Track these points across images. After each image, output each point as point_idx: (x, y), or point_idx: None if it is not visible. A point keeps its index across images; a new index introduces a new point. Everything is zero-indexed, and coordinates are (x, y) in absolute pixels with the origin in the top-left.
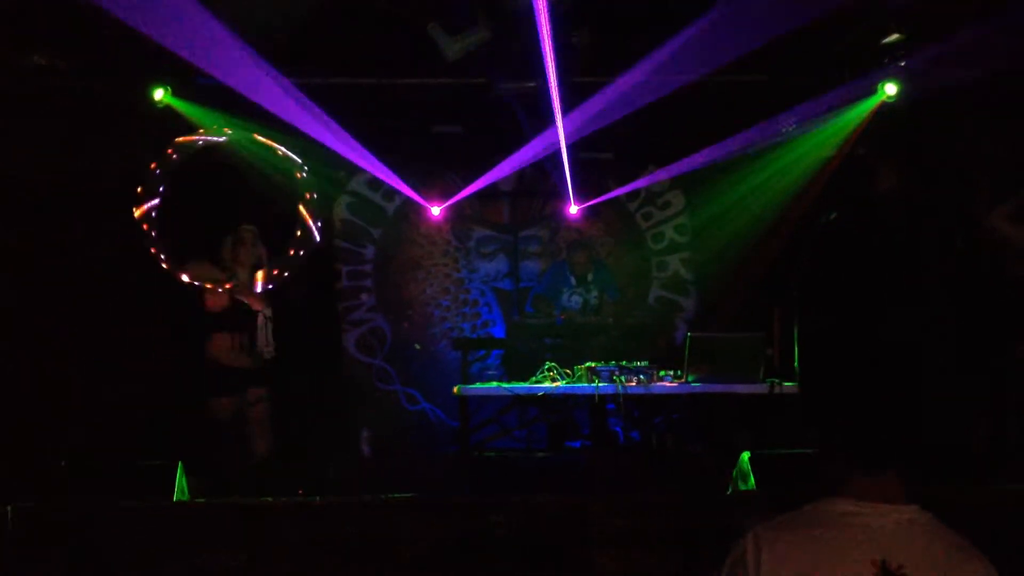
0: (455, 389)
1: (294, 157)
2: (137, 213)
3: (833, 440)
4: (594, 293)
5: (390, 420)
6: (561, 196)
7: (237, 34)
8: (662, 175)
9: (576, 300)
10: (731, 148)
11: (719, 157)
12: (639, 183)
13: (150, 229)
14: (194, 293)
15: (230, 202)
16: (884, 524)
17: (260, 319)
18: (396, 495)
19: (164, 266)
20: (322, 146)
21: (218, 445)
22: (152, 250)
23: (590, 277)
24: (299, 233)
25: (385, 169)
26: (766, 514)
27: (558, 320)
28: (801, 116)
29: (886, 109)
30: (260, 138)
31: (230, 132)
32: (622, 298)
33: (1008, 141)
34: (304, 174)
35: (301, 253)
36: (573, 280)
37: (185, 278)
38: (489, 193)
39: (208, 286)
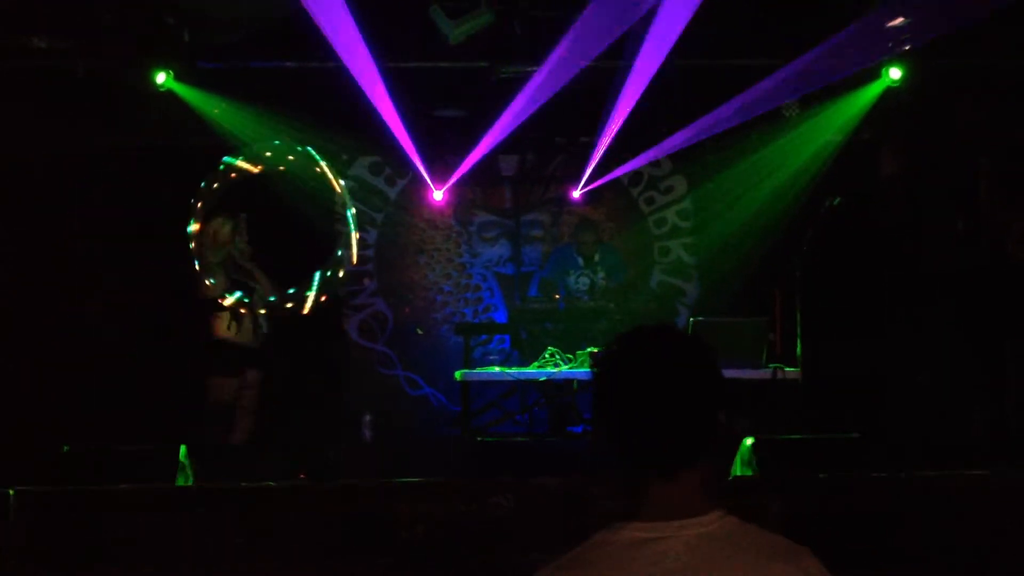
0: (457, 374)
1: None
2: (193, 228)
3: (621, 446)
4: (601, 274)
5: (392, 405)
6: (563, 181)
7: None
8: (658, 152)
9: (584, 282)
10: (723, 119)
11: (713, 129)
12: (637, 162)
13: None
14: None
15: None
16: (676, 546)
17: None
18: (398, 479)
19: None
20: (324, 129)
21: (207, 426)
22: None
23: (597, 258)
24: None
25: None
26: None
27: (560, 305)
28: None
29: (890, 94)
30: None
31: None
32: (625, 281)
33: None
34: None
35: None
36: (580, 261)
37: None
38: (491, 178)
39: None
